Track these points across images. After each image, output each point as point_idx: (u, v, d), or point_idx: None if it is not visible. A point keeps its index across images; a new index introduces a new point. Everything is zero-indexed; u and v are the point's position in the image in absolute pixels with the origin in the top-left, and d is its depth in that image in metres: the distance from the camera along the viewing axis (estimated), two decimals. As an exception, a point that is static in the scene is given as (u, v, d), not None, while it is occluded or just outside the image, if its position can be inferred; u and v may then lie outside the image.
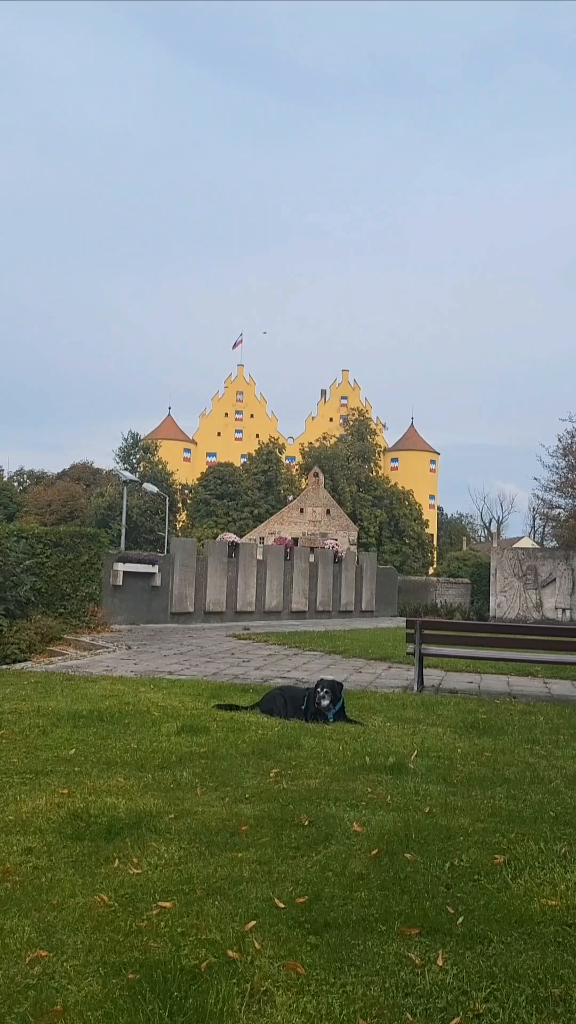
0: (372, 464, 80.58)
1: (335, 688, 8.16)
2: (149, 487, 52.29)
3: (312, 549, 29.13)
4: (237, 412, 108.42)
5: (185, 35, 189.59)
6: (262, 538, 49.42)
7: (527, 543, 72.52)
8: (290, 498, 67.37)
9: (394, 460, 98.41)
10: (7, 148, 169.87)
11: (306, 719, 8.01)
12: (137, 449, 78.94)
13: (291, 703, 8.34)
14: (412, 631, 10.80)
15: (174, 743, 6.73)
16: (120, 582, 19.18)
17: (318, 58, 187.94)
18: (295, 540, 42.55)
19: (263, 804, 5.05)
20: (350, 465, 75.69)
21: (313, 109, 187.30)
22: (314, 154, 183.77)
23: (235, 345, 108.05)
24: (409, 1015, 2.76)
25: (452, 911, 3.56)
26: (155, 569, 20.33)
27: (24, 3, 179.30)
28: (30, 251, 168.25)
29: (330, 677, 8.71)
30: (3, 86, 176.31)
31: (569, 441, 39.94)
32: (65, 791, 5.22)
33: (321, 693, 8.03)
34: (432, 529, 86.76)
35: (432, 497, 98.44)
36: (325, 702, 8.00)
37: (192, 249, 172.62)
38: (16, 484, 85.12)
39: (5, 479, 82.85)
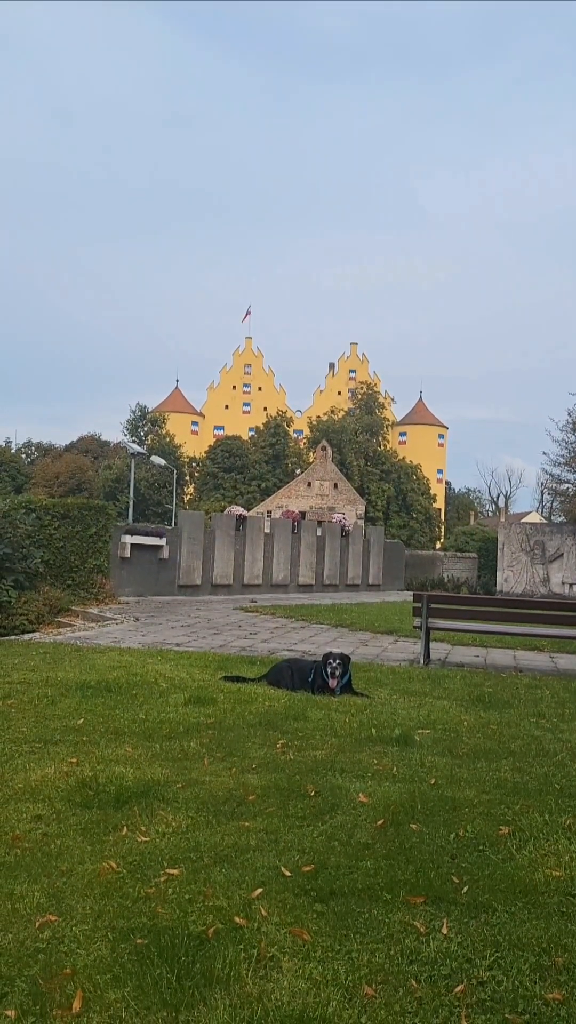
0: (380, 438, 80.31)
1: (345, 661, 8.20)
2: (157, 460, 52.29)
3: (319, 523, 29.12)
4: (245, 385, 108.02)
5: (196, 8, 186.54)
6: (269, 511, 49.44)
7: (535, 518, 72.43)
8: (298, 472, 67.33)
9: (402, 434, 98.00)
10: (16, 119, 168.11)
11: (312, 691, 8.05)
12: (145, 422, 78.90)
13: (298, 675, 8.38)
14: (419, 605, 10.81)
15: (182, 714, 6.77)
16: (128, 554, 19.23)
17: (323, 26, 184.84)
18: (303, 514, 42.53)
19: (270, 774, 5.09)
20: (358, 439, 75.47)
21: (319, 78, 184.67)
22: (321, 123, 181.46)
23: (244, 317, 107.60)
24: (414, 982, 2.79)
25: (457, 881, 3.59)
26: (163, 542, 20.36)
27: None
28: (35, 223, 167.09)
29: (337, 650, 8.74)
30: (10, 60, 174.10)
31: (579, 415, 39.70)
32: (74, 760, 5.27)
33: (334, 665, 8.07)
34: (440, 504, 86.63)
35: (440, 471, 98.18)
36: (338, 672, 8.04)
37: (200, 221, 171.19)
38: (24, 456, 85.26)
39: (13, 451, 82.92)
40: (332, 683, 8.04)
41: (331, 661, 8.12)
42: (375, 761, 5.51)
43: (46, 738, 5.88)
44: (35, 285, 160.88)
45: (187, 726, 6.36)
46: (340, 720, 6.76)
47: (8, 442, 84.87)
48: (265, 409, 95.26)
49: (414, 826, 4.24)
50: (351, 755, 5.67)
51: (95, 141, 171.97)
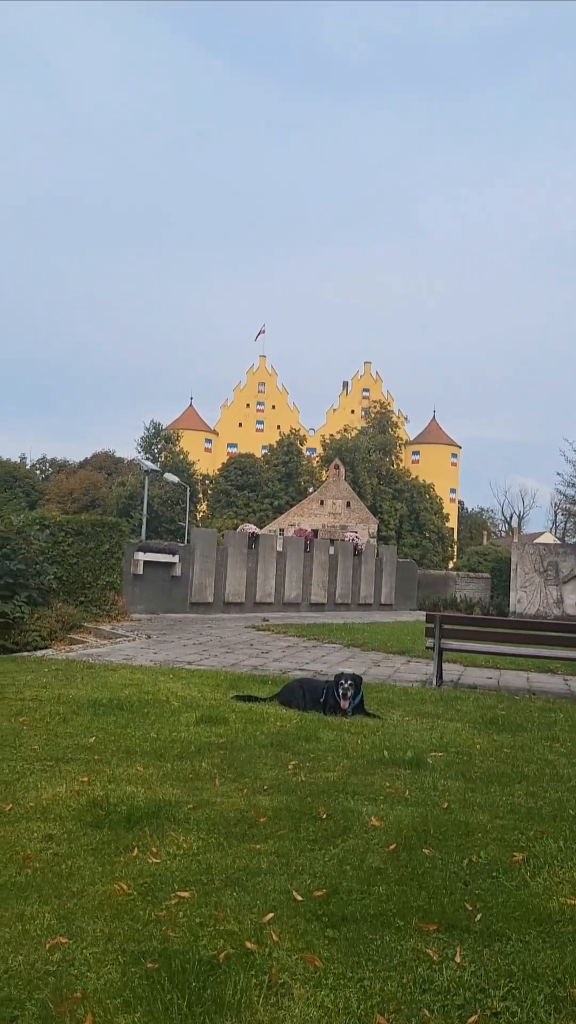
0: (393, 457, 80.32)
1: (357, 681, 8.15)
2: (170, 477, 52.41)
3: (332, 541, 29.09)
4: (259, 403, 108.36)
5: (205, 26, 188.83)
6: (282, 529, 49.44)
7: (548, 539, 72.08)
8: (310, 490, 67.40)
9: (415, 453, 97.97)
10: (33, 139, 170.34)
11: (324, 712, 8.00)
12: (159, 439, 79.17)
13: (310, 695, 8.34)
14: (432, 625, 10.77)
15: (193, 733, 6.76)
16: (140, 571, 19.25)
17: (336, 48, 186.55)
18: (315, 532, 42.46)
19: (281, 796, 5.06)
20: (371, 457, 75.47)
21: (332, 99, 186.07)
22: (334, 143, 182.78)
23: (257, 336, 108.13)
24: (427, 1011, 2.76)
25: (470, 908, 3.55)
26: (175, 559, 20.37)
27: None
28: (52, 241, 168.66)
29: (350, 670, 8.70)
30: (29, 79, 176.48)
31: (593, 436, 39.61)
32: (85, 779, 5.26)
33: (346, 685, 8.02)
34: (452, 523, 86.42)
35: (453, 491, 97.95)
36: (350, 693, 8.00)
37: (214, 240, 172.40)
38: (39, 472, 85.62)
39: (28, 467, 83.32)
40: (344, 704, 8.00)
41: (343, 682, 8.08)
42: (387, 784, 5.47)
43: (58, 756, 5.88)
44: (51, 302, 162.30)
45: (198, 746, 6.34)
46: (352, 741, 6.73)
47: (23, 458, 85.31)
48: (278, 427, 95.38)
49: (427, 851, 4.20)
50: (363, 777, 5.63)
51: (112, 162, 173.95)
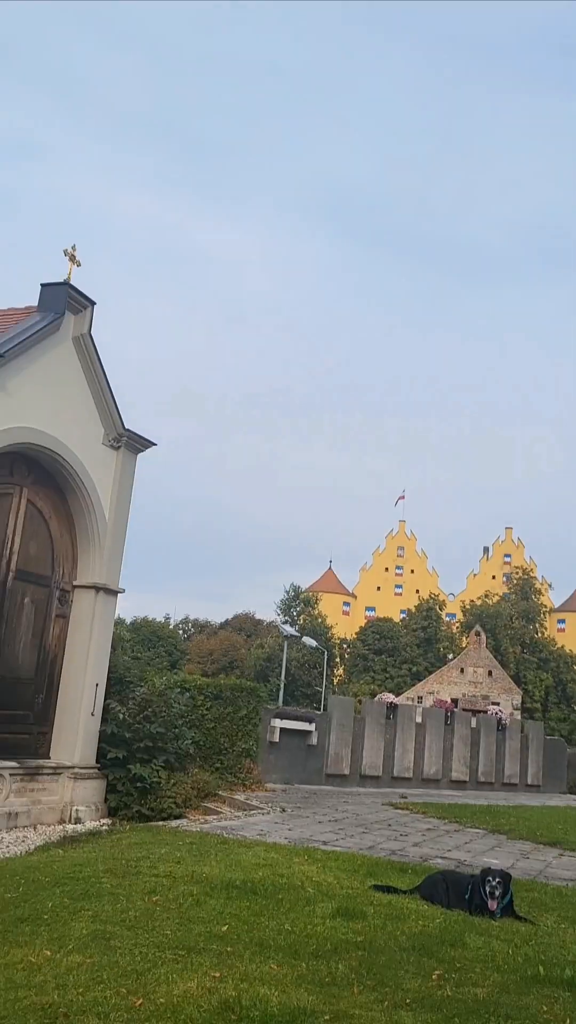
0: (537, 624, 77.48)
1: (506, 880, 7.52)
2: (308, 641, 52.39)
3: (474, 714, 27.88)
4: (397, 567, 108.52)
5: (349, 218, 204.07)
6: (420, 697, 47.98)
7: None
8: (450, 657, 65.58)
9: (560, 621, 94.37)
10: (190, 321, 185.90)
11: (470, 911, 7.39)
12: (298, 602, 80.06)
13: (453, 890, 7.75)
14: (587, 817, 9.94)
15: (329, 927, 6.37)
16: (276, 739, 18.95)
17: (476, 236, 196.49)
18: (455, 701, 40.94)
19: (426, 1013, 4.63)
20: (513, 624, 73.13)
21: (472, 283, 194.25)
22: (475, 323, 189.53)
23: (397, 501, 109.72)
24: None
25: None
26: (312, 727, 20.00)
27: (200, 193, 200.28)
28: (206, 409, 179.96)
29: (496, 863, 8.11)
30: (187, 268, 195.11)
31: None
32: (217, 975, 5.01)
33: (494, 883, 7.40)
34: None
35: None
36: (497, 893, 7.38)
37: (355, 410, 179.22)
38: (181, 632, 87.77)
39: (171, 627, 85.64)
40: (492, 904, 7.36)
41: (490, 879, 7.48)
42: (544, 1008, 4.92)
43: (189, 945, 5.64)
44: (196, 470, 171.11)
45: (335, 943, 5.95)
46: (502, 951, 6.14)
47: (167, 618, 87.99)
48: (417, 592, 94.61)
49: None
50: (516, 997, 5.09)
51: (262, 341, 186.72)
